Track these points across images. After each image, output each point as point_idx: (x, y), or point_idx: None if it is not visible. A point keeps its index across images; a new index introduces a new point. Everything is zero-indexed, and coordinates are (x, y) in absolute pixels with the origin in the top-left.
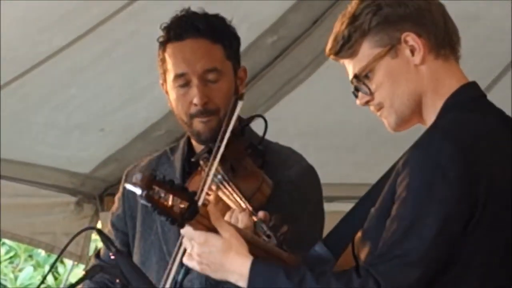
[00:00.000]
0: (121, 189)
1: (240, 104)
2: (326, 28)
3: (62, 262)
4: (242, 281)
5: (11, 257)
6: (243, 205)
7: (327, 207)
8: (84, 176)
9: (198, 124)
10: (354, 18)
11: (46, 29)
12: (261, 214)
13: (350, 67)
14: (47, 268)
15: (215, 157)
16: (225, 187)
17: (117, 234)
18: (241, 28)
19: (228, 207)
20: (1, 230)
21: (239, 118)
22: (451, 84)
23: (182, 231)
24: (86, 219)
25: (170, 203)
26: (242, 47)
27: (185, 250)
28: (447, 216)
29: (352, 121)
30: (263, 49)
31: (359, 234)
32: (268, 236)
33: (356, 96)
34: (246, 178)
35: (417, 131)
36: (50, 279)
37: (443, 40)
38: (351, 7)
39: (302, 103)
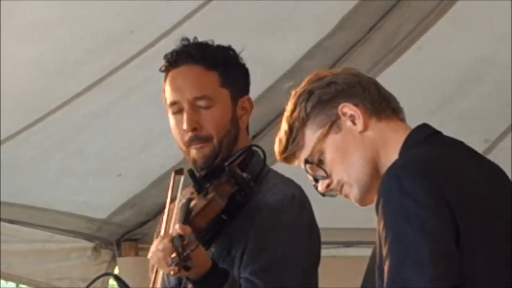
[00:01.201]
0: None
1: (181, 178)
2: None
3: None
4: None
5: None
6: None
7: (346, 252)
8: (101, 221)
9: (193, 151)
10: (291, 112)
11: (61, 76)
12: (179, 228)
13: (301, 160)
14: None
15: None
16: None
17: None
18: (258, 74)
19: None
20: (18, 275)
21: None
22: (399, 138)
23: None
24: (103, 265)
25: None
26: (259, 92)
27: None
28: (431, 233)
29: None
30: (279, 94)
31: None
32: (178, 255)
33: (317, 187)
34: (201, 200)
35: None
36: None
37: (381, 104)
38: (288, 105)
39: None
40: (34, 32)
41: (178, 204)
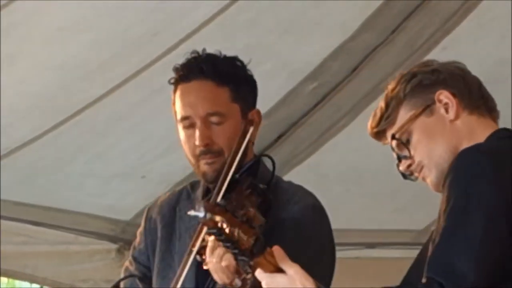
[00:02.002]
0: (143, 224)
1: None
2: (366, 75)
3: None
4: None
5: None
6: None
7: (368, 253)
8: (124, 223)
9: (204, 165)
10: (391, 90)
11: (85, 78)
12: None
13: (390, 136)
14: None
15: (215, 199)
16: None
17: (139, 268)
18: (281, 75)
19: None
20: (42, 277)
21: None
22: (485, 134)
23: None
24: None
25: (236, 234)
26: (282, 94)
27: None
28: (490, 213)
29: (392, 167)
30: (303, 95)
31: None
32: (249, 274)
33: (399, 165)
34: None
35: None
36: None
37: (478, 101)
38: (390, 84)
39: (343, 150)
40: (59, 36)
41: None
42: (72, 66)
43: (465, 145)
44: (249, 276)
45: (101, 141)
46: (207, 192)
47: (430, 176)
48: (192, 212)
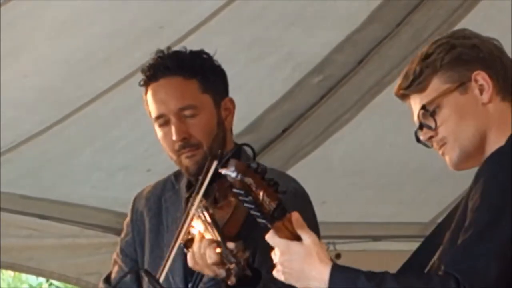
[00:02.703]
0: (129, 216)
1: (214, 164)
2: (372, 68)
3: None
4: (324, 287)
5: None
6: (214, 236)
7: (375, 246)
8: None
9: (185, 159)
10: (427, 55)
11: (90, 72)
12: (229, 245)
13: (417, 102)
14: None
15: (197, 191)
16: (202, 219)
17: (126, 260)
18: (287, 68)
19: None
20: (48, 270)
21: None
22: None
23: (268, 236)
24: None
25: (260, 197)
26: (287, 87)
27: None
28: None
29: (398, 160)
30: (309, 88)
31: (435, 259)
32: (231, 262)
33: (418, 136)
34: (222, 208)
35: (466, 172)
36: None
37: (510, 88)
38: (424, 48)
39: (348, 143)
40: (64, 30)
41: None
42: (77, 59)
43: (494, 132)
44: (232, 266)
45: (107, 135)
46: (189, 185)
47: (451, 154)
48: (224, 171)
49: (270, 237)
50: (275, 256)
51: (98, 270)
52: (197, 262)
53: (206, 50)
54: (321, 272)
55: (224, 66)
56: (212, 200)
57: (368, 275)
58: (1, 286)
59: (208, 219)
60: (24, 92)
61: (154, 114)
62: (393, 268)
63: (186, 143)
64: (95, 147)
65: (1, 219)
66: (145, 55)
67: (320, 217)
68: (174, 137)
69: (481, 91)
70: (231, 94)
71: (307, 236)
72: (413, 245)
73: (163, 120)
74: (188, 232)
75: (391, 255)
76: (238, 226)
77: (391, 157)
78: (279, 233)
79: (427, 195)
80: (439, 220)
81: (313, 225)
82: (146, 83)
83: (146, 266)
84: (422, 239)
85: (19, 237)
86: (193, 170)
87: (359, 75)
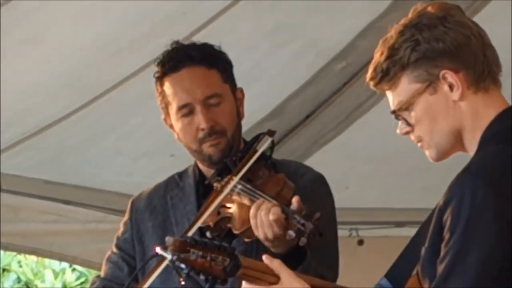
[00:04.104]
0: (127, 215)
1: (269, 140)
2: None
3: None
4: None
5: (82, 283)
6: (271, 200)
7: (398, 232)
8: None
9: (208, 148)
10: (393, 51)
11: (114, 57)
12: (294, 205)
13: (390, 97)
14: None
15: (238, 171)
16: (247, 192)
17: (123, 255)
18: (310, 55)
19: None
20: (72, 256)
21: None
22: (489, 114)
23: None
24: None
25: (208, 260)
26: (310, 74)
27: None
28: (488, 255)
29: None
30: (332, 75)
31: (418, 268)
32: (303, 225)
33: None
34: (267, 184)
35: None
36: None
37: (483, 73)
38: (390, 36)
39: (371, 129)
40: (88, 15)
41: (221, 189)
42: (101, 45)
43: (469, 128)
44: (302, 226)
45: (130, 120)
46: (200, 180)
47: (429, 152)
48: (161, 252)
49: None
50: None
51: None
52: (256, 225)
53: (230, 36)
54: None
55: (247, 52)
56: (246, 180)
57: None
58: (24, 271)
59: (257, 191)
60: (48, 78)
61: (177, 103)
62: None
63: (212, 130)
64: (119, 132)
65: (24, 204)
66: (168, 41)
67: (343, 203)
68: (202, 125)
69: (451, 87)
70: (255, 80)
71: (283, 274)
72: None
73: (187, 110)
74: (218, 213)
75: None
76: (287, 199)
77: (413, 143)
78: (253, 283)
79: (449, 181)
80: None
81: (332, 213)
82: (164, 74)
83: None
84: None
85: (43, 222)
86: (216, 158)
87: None
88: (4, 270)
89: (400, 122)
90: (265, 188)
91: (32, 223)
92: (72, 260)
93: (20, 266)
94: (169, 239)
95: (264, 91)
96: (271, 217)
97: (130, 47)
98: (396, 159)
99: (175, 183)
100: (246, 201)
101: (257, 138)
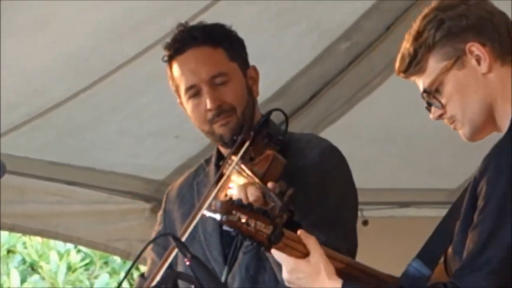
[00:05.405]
0: (163, 206)
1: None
2: (399, 34)
3: (137, 268)
4: None
5: (86, 264)
6: (254, 180)
7: (402, 212)
8: (159, 182)
9: (219, 128)
10: (418, 34)
11: (119, 39)
12: (269, 184)
13: (420, 83)
14: (122, 274)
15: (235, 153)
16: (241, 173)
17: (158, 249)
18: (314, 35)
19: None
20: (76, 237)
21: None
22: None
23: (274, 252)
24: None
25: (252, 226)
26: (315, 54)
27: (223, 250)
28: None
29: (426, 126)
30: (336, 55)
31: (450, 248)
32: (275, 202)
33: (430, 111)
34: (259, 161)
35: (494, 137)
36: (125, 286)
37: (508, 47)
38: (415, 24)
39: (376, 109)
40: None
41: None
42: (106, 26)
43: (500, 100)
44: (276, 202)
45: (135, 101)
46: (219, 159)
47: (463, 130)
48: (208, 214)
49: (276, 254)
50: (283, 272)
51: (126, 236)
52: None
53: (235, 18)
54: None
55: (253, 34)
56: (248, 159)
57: None
58: (29, 252)
59: (247, 171)
60: (53, 59)
61: (184, 86)
62: (421, 234)
63: (220, 110)
64: (124, 113)
65: (29, 185)
66: (173, 22)
67: None
68: (208, 105)
69: (478, 61)
70: (260, 61)
71: (315, 251)
72: (441, 212)
73: (194, 91)
74: (226, 195)
75: (419, 221)
76: (276, 175)
77: (418, 124)
78: (284, 251)
79: (455, 161)
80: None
81: (350, 182)
82: (172, 57)
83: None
84: (449, 206)
85: (48, 204)
86: (227, 137)
87: (386, 42)
88: (9, 251)
89: (432, 107)
90: (256, 166)
91: (37, 205)
92: (77, 241)
93: (25, 248)
94: (216, 202)
95: (269, 72)
96: (250, 197)
97: (134, 29)
98: (401, 139)
99: (202, 168)
100: (240, 182)
101: (269, 115)
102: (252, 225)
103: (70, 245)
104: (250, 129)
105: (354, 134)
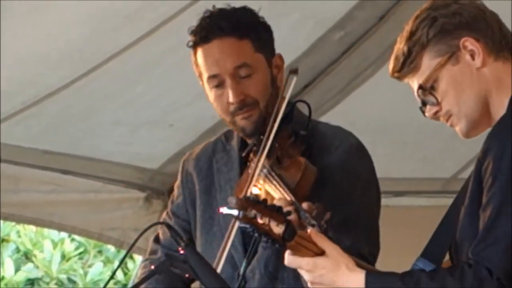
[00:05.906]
0: (179, 177)
1: (294, 79)
2: (393, 24)
3: (131, 257)
4: None
5: (80, 253)
6: (287, 197)
7: (397, 201)
8: (153, 171)
9: (241, 121)
10: (411, 34)
11: (113, 28)
12: (304, 205)
13: (414, 83)
14: (116, 263)
15: (263, 150)
16: (270, 180)
17: (178, 222)
18: (308, 24)
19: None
20: (71, 225)
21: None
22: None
23: (287, 261)
24: (155, 215)
25: (267, 223)
26: (309, 43)
27: (244, 239)
28: None
29: (420, 116)
30: (330, 45)
31: (456, 238)
32: (313, 225)
33: (423, 111)
34: (290, 168)
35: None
36: (119, 275)
37: (500, 43)
38: (407, 26)
39: (370, 98)
40: None
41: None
42: (100, 15)
43: (495, 94)
44: (312, 225)
45: (130, 90)
46: (242, 144)
47: (459, 125)
48: (225, 211)
49: (291, 260)
50: (304, 275)
51: (120, 225)
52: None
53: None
54: (355, 281)
55: None
56: (275, 159)
57: (403, 277)
58: (23, 241)
59: (276, 179)
60: (47, 48)
61: (207, 74)
62: (416, 223)
63: (243, 104)
64: (118, 102)
65: (24, 174)
66: (169, 10)
67: None
68: (231, 99)
69: (473, 56)
70: None
71: (330, 248)
72: (435, 201)
73: (217, 81)
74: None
75: (413, 211)
76: (308, 186)
77: (413, 114)
78: (299, 253)
79: (449, 150)
80: (461, 176)
81: (373, 175)
82: (197, 44)
83: (198, 227)
84: (444, 194)
85: (42, 192)
86: (250, 130)
87: (380, 32)
88: (3, 240)
89: (427, 106)
90: (288, 175)
91: (32, 193)
92: (71, 230)
93: (19, 236)
94: (231, 199)
95: None
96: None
97: (129, 17)
98: (394, 129)
99: (222, 144)
100: (270, 190)
101: (293, 107)
102: (266, 222)
103: (64, 234)
104: (274, 122)
105: (348, 124)
